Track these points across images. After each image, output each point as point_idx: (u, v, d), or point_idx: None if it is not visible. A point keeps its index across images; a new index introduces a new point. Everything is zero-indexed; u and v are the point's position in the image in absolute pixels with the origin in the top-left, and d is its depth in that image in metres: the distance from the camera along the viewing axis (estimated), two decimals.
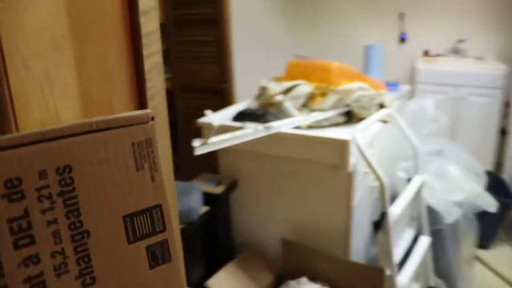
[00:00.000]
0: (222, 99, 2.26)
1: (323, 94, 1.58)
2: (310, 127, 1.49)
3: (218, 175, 1.60)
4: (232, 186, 1.53)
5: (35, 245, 0.28)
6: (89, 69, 0.34)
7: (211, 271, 1.42)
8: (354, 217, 1.39)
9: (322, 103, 1.54)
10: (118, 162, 0.30)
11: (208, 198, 1.44)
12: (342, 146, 1.29)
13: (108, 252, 0.30)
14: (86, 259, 0.29)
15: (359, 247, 1.44)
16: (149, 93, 0.40)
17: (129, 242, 0.31)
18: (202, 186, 1.49)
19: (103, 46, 0.35)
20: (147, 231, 0.32)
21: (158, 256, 0.33)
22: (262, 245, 1.59)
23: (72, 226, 0.29)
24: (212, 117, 1.19)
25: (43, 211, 0.28)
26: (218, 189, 1.46)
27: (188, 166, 2.31)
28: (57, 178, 0.28)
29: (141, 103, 0.40)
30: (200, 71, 2.31)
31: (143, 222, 0.32)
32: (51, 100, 0.32)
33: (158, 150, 0.32)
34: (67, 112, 0.33)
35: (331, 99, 1.53)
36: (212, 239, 1.49)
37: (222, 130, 1.44)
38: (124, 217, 0.31)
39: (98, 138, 0.29)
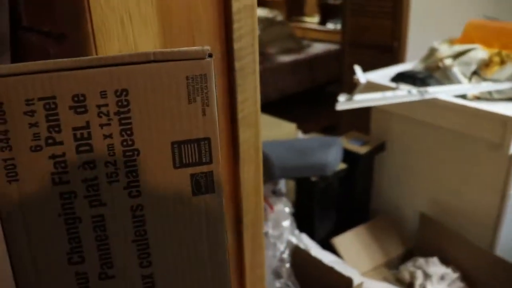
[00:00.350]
0: (391, 57, 2.14)
1: (502, 63, 1.39)
2: (477, 98, 1.33)
3: (367, 136, 1.56)
4: (378, 148, 1.48)
5: (92, 153, 0.33)
6: (172, 6, 0.37)
7: (340, 229, 1.43)
8: (509, 207, 1.23)
9: (497, 72, 1.36)
10: (171, 92, 0.33)
11: (351, 157, 1.42)
12: (506, 124, 1.13)
13: (154, 172, 0.34)
14: (134, 174, 0.34)
15: (508, 242, 1.27)
16: (236, 34, 0.42)
17: (175, 167, 0.34)
18: (347, 144, 1.48)
19: None
20: (193, 160, 0.34)
21: (202, 185, 0.35)
22: (398, 214, 1.53)
23: (125, 143, 0.33)
24: (359, 74, 1.15)
25: (101, 125, 0.32)
26: (362, 149, 1.43)
27: (347, 124, 2.30)
28: (115, 99, 0.32)
29: (227, 43, 0.42)
30: (373, 26, 2.21)
31: (190, 151, 0.34)
32: (131, 33, 0.35)
33: (213, 86, 0.33)
34: (146, 46, 0.37)
35: (510, 69, 1.34)
36: (347, 198, 1.49)
37: (375, 88, 1.38)
38: (173, 143, 0.34)
39: (154, 68, 0.32)
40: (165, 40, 0.38)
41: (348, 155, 1.41)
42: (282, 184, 1.39)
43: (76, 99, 0.32)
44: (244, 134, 0.47)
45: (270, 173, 1.22)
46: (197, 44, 0.40)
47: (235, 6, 0.41)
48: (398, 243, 1.48)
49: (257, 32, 0.44)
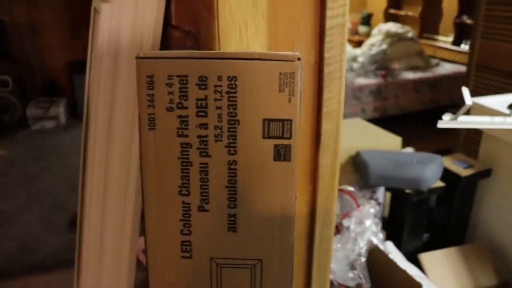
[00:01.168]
0: None
1: None
2: None
3: (474, 160, 1.54)
4: (483, 174, 1.46)
5: (207, 118, 0.46)
6: (278, 20, 0.49)
7: (429, 248, 1.44)
8: None
9: None
10: (267, 82, 0.45)
11: (451, 178, 1.43)
12: None
13: (248, 138, 0.46)
14: (233, 137, 0.46)
15: None
16: (327, 46, 0.53)
17: (263, 137, 0.46)
18: (450, 164, 1.48)
19: (292, 5, 0.49)
20: (277, 134, 0.46)
21: (281, 154, 0.47)
22: (496, 245, 1.48)
23: (230, 115, 0.46)
24: (466, 95, 1.16)
25: (215, 100, 0.46)
26: (464, 172, 1.43)
27: (463, 149, 2.23)
28: (227, 82, 0.45)
29: (320, 51, 0.53)
30: (502, 50, 2.12)
31: (276, 127, 0.46)
32: (245, 38, 0.49)
33: (298, 81, 0.45)
34: (255, 48, 0.50)
35: None
36: (442, 219, 1.49)
37: (487, 112, 1.37)
38: (264, 119, 0.46)
39: (257, 64, 0.45)
40: (270, 45, 0.51)
41: (449, 176, 1.41)
42: (381, 194, 1.44)
43: (200, 79, 0.45)
44: (326, 126, 0.58)
45: (366, 179, 1.29)
46: (295, 50, 0.52)
47: (328, 24, 0.52)
48: (492, 274, 1.44)
49: (345, 46, 0.54)
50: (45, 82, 4.13)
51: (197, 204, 0.49)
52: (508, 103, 1.45)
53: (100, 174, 0.72)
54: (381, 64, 3.74)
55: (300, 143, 0.57)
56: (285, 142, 0.47)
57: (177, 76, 0.45)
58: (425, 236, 1.58)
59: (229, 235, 0.49)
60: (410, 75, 3.75)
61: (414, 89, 3.71)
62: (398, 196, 1.36)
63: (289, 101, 0.46)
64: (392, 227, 1.42)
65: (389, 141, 1.62)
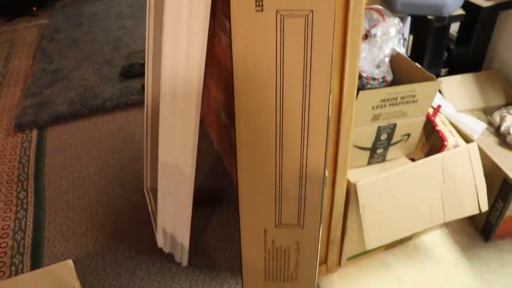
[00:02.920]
0: None
1: None
2: None
3: None
4: (505, 6, 1.57)
5: None
6: None
7: (450, 71, 1.60)
8: None
9: None
10: None
11: (471, 8, 1.54)
12: None
13: None
14: None
15: None
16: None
17: None
18: None
19: None
20: None
21: None
22: (508, 71, 1.64)
23: None
24: None
25: None
26: (485, 3, 1.54)
27: None
28: None
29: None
30: None
31: None
32: None
33: None
34: None
35: None
36: (462, 47, 1.64)
37: None
38: None
39: None
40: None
41: (470, 7, 1.53)
42: (406, 30, 1.58)
43: None
44: None
45: (393, 7, 1.43)
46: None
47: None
48: (501, 96, 1.63)
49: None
50: None
51: None
52: None
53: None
54: None
55: None
56: None
57: None
58: (444, 70, 1.75)
59: None
60: None
61: None
62: (421, 24, 1.51)
63: None
64: (414, 54, 1.59)
65: None
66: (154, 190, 1.57)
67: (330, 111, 0.76)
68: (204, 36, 0.94)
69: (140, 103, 2.24)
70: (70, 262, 0.93)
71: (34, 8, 3.67)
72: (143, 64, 2.39)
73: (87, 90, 2.38)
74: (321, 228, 0.85)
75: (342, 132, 0.94)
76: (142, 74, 2.39)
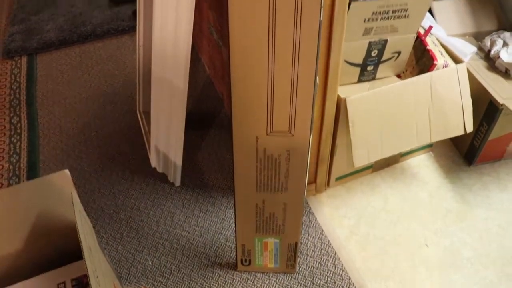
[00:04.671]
0: None
1: None
2: None
3: None
4: None
5: None
6: None
7: None
8: None
9: None
10: None
11: None
12: None
13: None
14: None
15: None
16: None
17: None
18: None
19: None
20: None
21: None
22: None
23: None
24: None
25: None
26: None
27: None
28: None
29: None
30: None
31: None
32: None
33: None
34: None
35: None
36: None
37: None
38: None
39: None
40: None
41: None
42: None
43: None
44: None
45: None
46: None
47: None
48: (494, 20, 1.62)
49: None
50: None
51: None
52: None
53: None
54: None
55: None
56: None
57: None
58: None
59: None
60: None
61: None
62: None
63: None
64: None
65: None
66: (146, 114, 1.59)
67: (321, 19, 0.76)
68: None
69: (131, 29, 2.20)
70: (66, 171, 0.96)
71: None
72: None
73: (76, 17, 2.33)
74: (311, 137, 0.88)
75: (333, 44, 0.95)
76: (132, 0, 2.33)
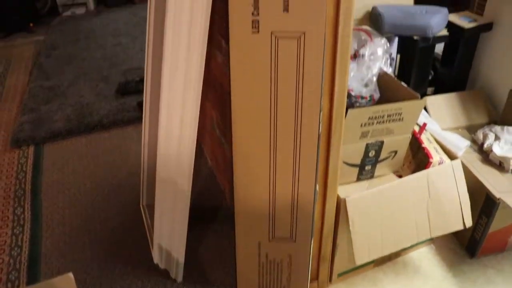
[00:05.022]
0: None
1: None
2: None
3: (479, 16, 1.71)
4: (485, 27, 1.64)
5: None
6: None
7: (436, 90, 1.67)
8: None
9: None
10: None
11: (455, 30, 1.62)
12: None
13: None
14: None
15: None
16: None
17: None
18: (456, 19, 1.66)
19: None
20: None
21: None
22: (492, 92, 1.70)
23: None
24: None
25: None
26: (468, 25, 1.62)
27: None
28: None
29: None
30: None
31: None
32: None
33: None
34: None
35: None
36: (447, 70, 1.71)
37: None
38: None
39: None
40: None
41: (454, 28, 1.61)
42: (394, 49, 1.65)
43: None
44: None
45: (380, 28, 1.50)
46: None
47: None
48: (484, 114, 1.69)
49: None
50: None
51: None
52: None
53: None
54: None
55: None
56: None
57: None
58: (430, 89, 1.82)
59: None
60: None
61: None
62: (408, 44, 1.58)
63: None
64: (401, 72, 1.65)
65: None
66: (150, 207, 1.61)
67: (320, 128, 0.81)
68: (202, 56, 1.00)
69: (136, 120, 2.28)
70: (70, 275, 0.96)
71: (31, 25, 3.72)
72: (139, 81, 2.44)
73: (84, 107, 2.42)
74: (312, 242, 0.90)
75: (332, 148, 0.99)
76: (138, 91, 2.43)
